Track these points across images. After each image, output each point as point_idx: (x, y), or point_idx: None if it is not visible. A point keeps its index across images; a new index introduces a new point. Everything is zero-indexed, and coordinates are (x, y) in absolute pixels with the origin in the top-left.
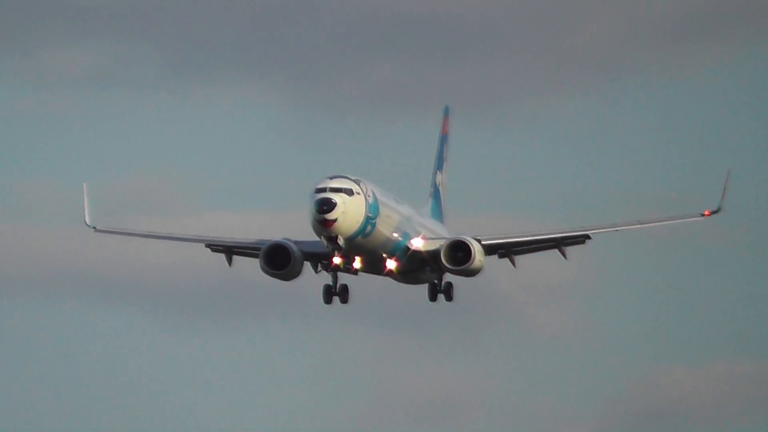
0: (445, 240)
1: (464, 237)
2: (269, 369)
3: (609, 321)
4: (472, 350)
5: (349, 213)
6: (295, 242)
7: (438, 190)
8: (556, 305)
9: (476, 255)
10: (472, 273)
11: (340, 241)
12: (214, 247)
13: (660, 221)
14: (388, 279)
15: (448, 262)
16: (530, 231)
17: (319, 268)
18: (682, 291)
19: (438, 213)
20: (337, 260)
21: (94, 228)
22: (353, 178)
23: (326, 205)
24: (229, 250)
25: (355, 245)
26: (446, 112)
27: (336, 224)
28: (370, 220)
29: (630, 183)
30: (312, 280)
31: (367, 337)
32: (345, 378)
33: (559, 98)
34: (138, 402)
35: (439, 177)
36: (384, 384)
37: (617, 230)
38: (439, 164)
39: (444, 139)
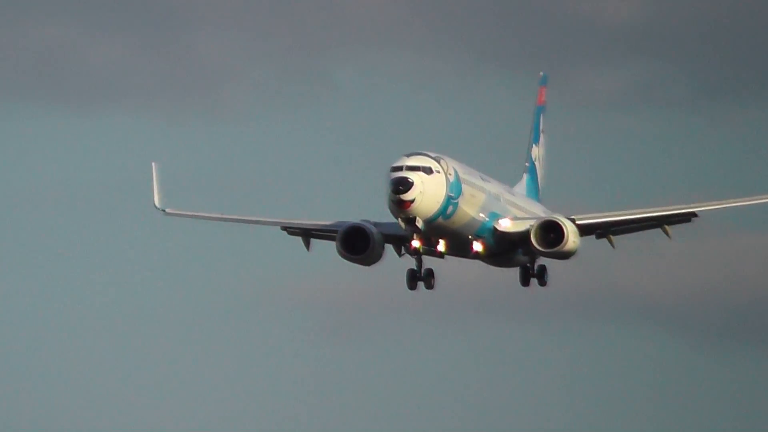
0: (535, 220)
1: (556, 217)
2: (353, 359)
3: (715, 306)
4: (566, 340)
5: (427, 193)
6: (375, 224)
7: (534, 165)
8: (660, 288)
9: (569, 236)
10: (566, 255)
11: (419, 224)
12: (291, 229)
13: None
14: (478, 262)
15: (539, 244)
16: (630, 209)
17: (403, 252)
18: None
19: (534, 190)
20: (416, 243)
21: (163, 210)
22: (433, 155)
23: (403, 185)
24: (307, 233)
25: (436, 227)
26: (543, 82)
27: (414, 205)
28: (451, 200)
29: (739, 161)
30: (395, 264)
31: (454, 325)
32: (426, 373)
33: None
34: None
35: (535, 151)
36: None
37: (726, 207)
38: (535, 137)
39: (540, 110)
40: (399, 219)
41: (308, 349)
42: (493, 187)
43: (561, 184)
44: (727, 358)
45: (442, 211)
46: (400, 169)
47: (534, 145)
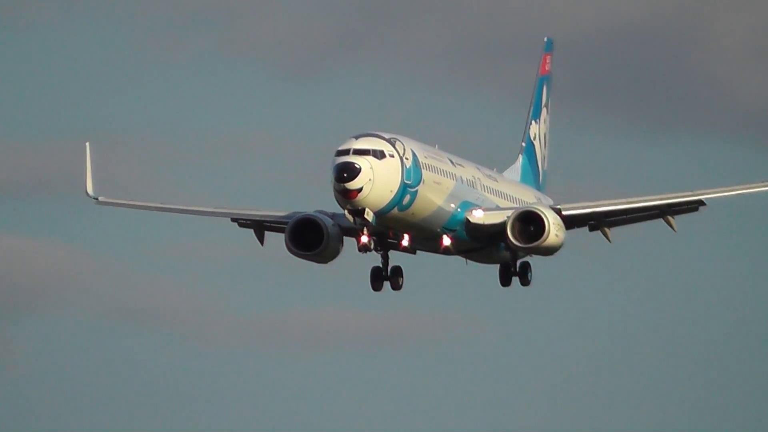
0: (512, 211)
1: (536, 207)
2: (306, 367)
3: (724, 305)
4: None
5: (378, 180)
6: (333, 215)
7: (533, 145)
8: (657, 289)
9: (551, 229)
10: (549, 251)
11: (369, 216)
12: (242, 221)
13: None
14: (456, 258)
15: (516, 239)
16: (628, 197)
17: (372, 247)
18: None
19: (532, 175)
20: (365, 239)
21: (95, 198)
22: (387, 136)
23: (348, 172)
24: (259, 225)
25: (392, 220)
26: (548, 48)
27: (361, 195)
28: (408, 189)
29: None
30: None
31: (423, 331)
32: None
33: None
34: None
35: (534, 128)
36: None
37: (737, 194)
38: (535, 112)
39: (544, 80)
40: (345, 210)
41: (253, 358)
42: (467, 171)
43: (570, 168)
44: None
45: (397, 202)
46: (346, 152)
47: (533, 122)
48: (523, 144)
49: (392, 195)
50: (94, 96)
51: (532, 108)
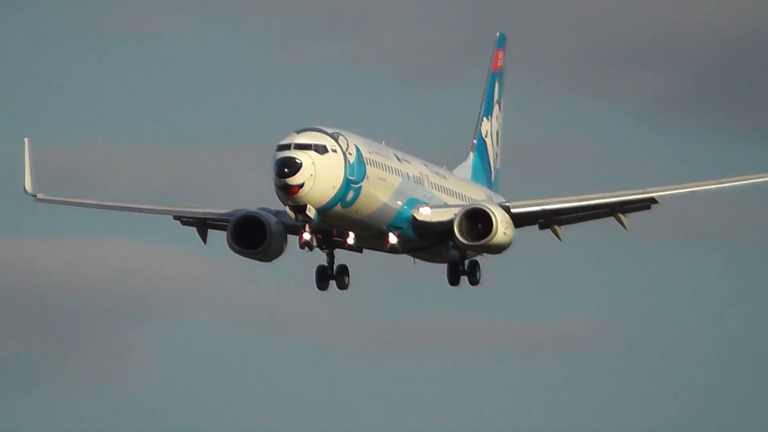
0: (459, 208)
1: (483, 204)
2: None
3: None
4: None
5: (320, 176)
6: (277, 212)
7: (484, 142)
8: (608, 288)
9: (499, 227)
10: (497, 249)
11: (311, 213)
12: (184, 219)
13: (744, 180)
14: (405, 257)
15: (464, 236)
16: (579, 195)
17: (315, 244)
18: None
19: (484, 173)
20: (307, 236)
21: (33, 196)
22: (330, 130)
23: (289, 167)
24: (201, 223)
25: (334, 217)
26: (500, 43)
27: (303, 191)
28: (352, 185)
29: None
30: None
31: (370, 332)
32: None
33: None
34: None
35: (486, 125)
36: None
37: (691, 192)
38: (487, 109)
39: (496, 76)
40: (287, 207)
41: (191, 358)
42: (414, 168)
43: (524, 166)
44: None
45: (340, 198)
46: (287, 147)
47: (485, 119)
48: (475, 141)
49: (335, 191)
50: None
51: (483, 105)
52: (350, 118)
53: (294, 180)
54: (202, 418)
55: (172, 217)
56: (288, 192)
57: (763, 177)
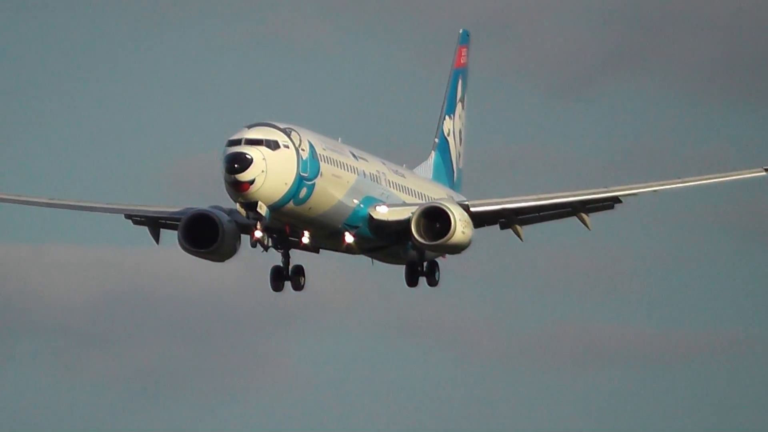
0: (417, 207)
1: (441, 202)
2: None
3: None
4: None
5: (272, 172)
6: (230, 211)
7: (446, 141)
8: (570, 290)
9: (457, 226)
10: (455, 249)
11: (262, 210)
12: (136, 218)
13: (709, 179)
14: (362, 257)
15: (421, 236)
16: (540, 194)
17: (270, 244)
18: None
19: (445, 172)
20: (258, 234)
21: None
22: (282, 126)
23: (239, 162)
24: (153, 222)
25: (286, 215)
26: (464, 40)
27: (253, 187)
28: (305, 182)
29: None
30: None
31: (325, 334)
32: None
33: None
34: None
35: (448, 124)
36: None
37: (656, 191)
38: (449, 107)
39: (459, 74)
40: (237, 204)
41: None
42: (371, 166)
43: (489, 166)
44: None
45: (293, 195)
46: (237, 142)
47: (447, 117)
48: (436, 140)
49: (287, 188)
50: None
51: (446, 102)
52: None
53: (244, 176)
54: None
55: (123, 216)
56: (238, 188)
57: (726, 176)
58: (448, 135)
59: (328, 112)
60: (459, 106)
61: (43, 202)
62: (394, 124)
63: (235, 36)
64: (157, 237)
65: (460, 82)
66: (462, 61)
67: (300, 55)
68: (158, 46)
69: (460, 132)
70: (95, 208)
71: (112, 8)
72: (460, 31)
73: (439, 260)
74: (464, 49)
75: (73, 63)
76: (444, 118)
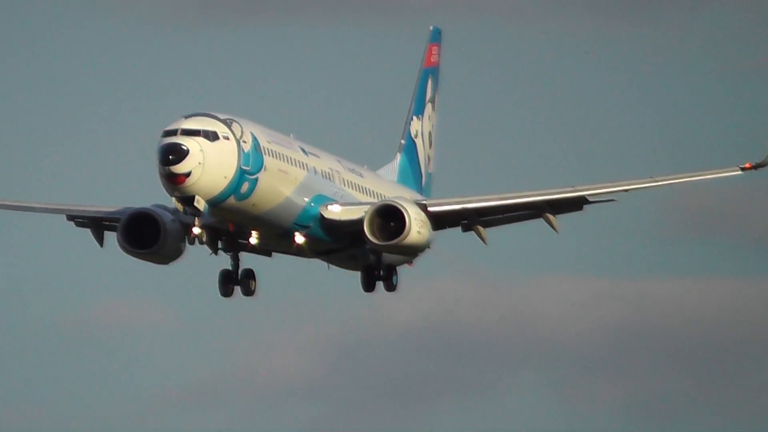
0: (370, 206)
1: (396, 200)
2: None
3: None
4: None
5: (210, 164)
6: (175, 210)
7: (414, 143)
8: (533, 294)
9: (412, 225)
10: (411, 250)
11: (200, 205)
12: (78, 219)
13: (683, 177)
14: (318, 261)
15: (374, 236)
16: (503, 194)
17: (220, 246)
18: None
19: (412, 175)
20: (196, 230)
21: None
22: (223, 117)
23: (174, 153)
24: (97, 224)
25: (228, 211)
26: (435, 38)
27: (190, 180)
28: (246, 176)
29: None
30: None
31: (277, 341)
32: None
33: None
34: None
35: (416, 125)
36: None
37: (626, 190)
38: (418, 108)
39: (429, 73)
40: (173, 198)
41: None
42: (323, 163)
43: (462, 170)
44: None
45: (234, 189)
46: (173, 133)
47: (415, 118)
48: (403, 141)
49: (227, 182)
50: None
51: (414, 103)
52: None
53: (179, 168)
54: None
55: (65, 218)
56: (173, 181)
57: (698, 175)
58: (416, 137)
59: (287, 108)
60: (429, 106)
61: None
62: (358, 123)
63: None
64: (100, 239)
65: (429, 81)
66: (432, 60)
67: (265, 49)
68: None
69: (429, 134)
70: (35, 208)
71: None
72: (431, 28)
73: (405, 267)
74: (435, 47)
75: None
76: (411, 119)
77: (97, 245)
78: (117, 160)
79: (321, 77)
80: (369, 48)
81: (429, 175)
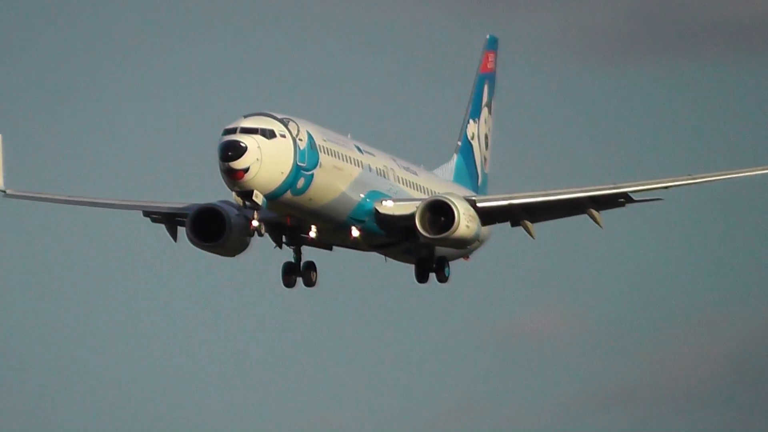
0: (422, 201)
1: (445, 196)
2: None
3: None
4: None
5: (267, 160)
6: (239, 206)
7: (470, 144)
8: (579, 289)
9: (461, 220)
10: (461, 244)
11: (258, 199)
12: (154, 216)
13: (720, 176)
14: (375, 254)
15: (425, 229)
16: (548, 190)
17: (284, 240)
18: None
19: (468, 175)
20: (255, 223)
21: (3, 192)
22: (280, 116)
23: (233, 150)
24: (170, 219)
25: (285, 205)
26: (491, 46)
27: (248, 175)
28: (302, 172)
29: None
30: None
31: (337, 330)
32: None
33: None
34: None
35: (472, 128)
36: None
37: (666, 187)
38: (474, 111)
39: (485, 79)
40: (233, 193)
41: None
42: (378, 161)
43: (519, 171)
44: None
45: (290, 185)
46: (233, 131)
47: (472, 121)
48: (459, 143)
49: (284, 177)
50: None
51: (470, 106)
52: None
53: (238, 164)
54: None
55: (141, 213)
56: (233, 176)
57: (738, 173)
58: (472, 138)
59: (348, 111)
60: (485, 110)
61: (61, 199)
62: (416, 125)
63: (255, 31)
64: (174, 234)
65: (486, 87)
66: (489, 67)
67: (323, 52)
68: (165, 42)
69: (486, 137)
70: (113, 204)
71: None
72: (487, 36)
73: (462, 260)
74: (491, 55)
75: (81, 60)
76: (468, 122)
77: (171, 240)
78: (190, 159)
79: (382, 81)
80: (429, 53)
81: (485, 175)
